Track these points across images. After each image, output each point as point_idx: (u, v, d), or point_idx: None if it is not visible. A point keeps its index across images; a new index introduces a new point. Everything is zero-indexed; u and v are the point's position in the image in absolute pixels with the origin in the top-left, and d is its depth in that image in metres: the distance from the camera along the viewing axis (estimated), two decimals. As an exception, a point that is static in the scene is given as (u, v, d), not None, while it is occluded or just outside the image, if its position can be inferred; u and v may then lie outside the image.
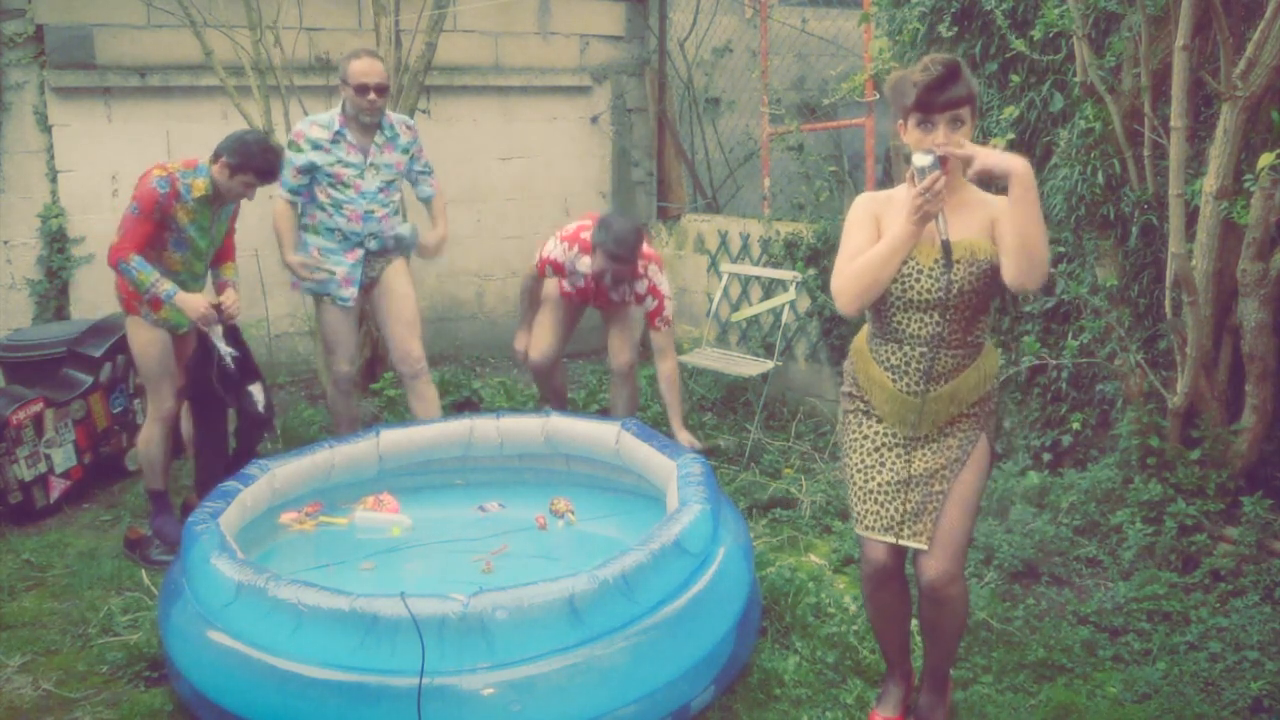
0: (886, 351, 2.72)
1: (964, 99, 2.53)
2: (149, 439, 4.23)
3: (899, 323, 2.68)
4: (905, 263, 2.61)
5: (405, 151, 4.72)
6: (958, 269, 2.59)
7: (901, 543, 2.72)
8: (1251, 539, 3.55)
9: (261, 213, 6.16)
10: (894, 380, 2.70)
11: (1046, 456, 4.37)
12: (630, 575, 2.90)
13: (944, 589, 2.70)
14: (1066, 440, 4.32)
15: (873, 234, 2.66)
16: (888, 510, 2.72)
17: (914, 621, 3.07)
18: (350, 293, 4.69)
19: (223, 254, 4.41)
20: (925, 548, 2.70)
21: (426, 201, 4.92)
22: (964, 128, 2.54)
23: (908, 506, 2.70)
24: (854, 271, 2.61)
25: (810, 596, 3.54)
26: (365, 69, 4.46)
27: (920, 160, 2.49)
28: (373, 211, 4.64)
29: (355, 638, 2.70)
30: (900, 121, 2.62)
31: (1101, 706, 3.02)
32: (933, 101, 2.51)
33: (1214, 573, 3.54)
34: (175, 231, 4.08)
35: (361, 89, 4.45)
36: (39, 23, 5.89)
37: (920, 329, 2.65)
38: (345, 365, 4.85)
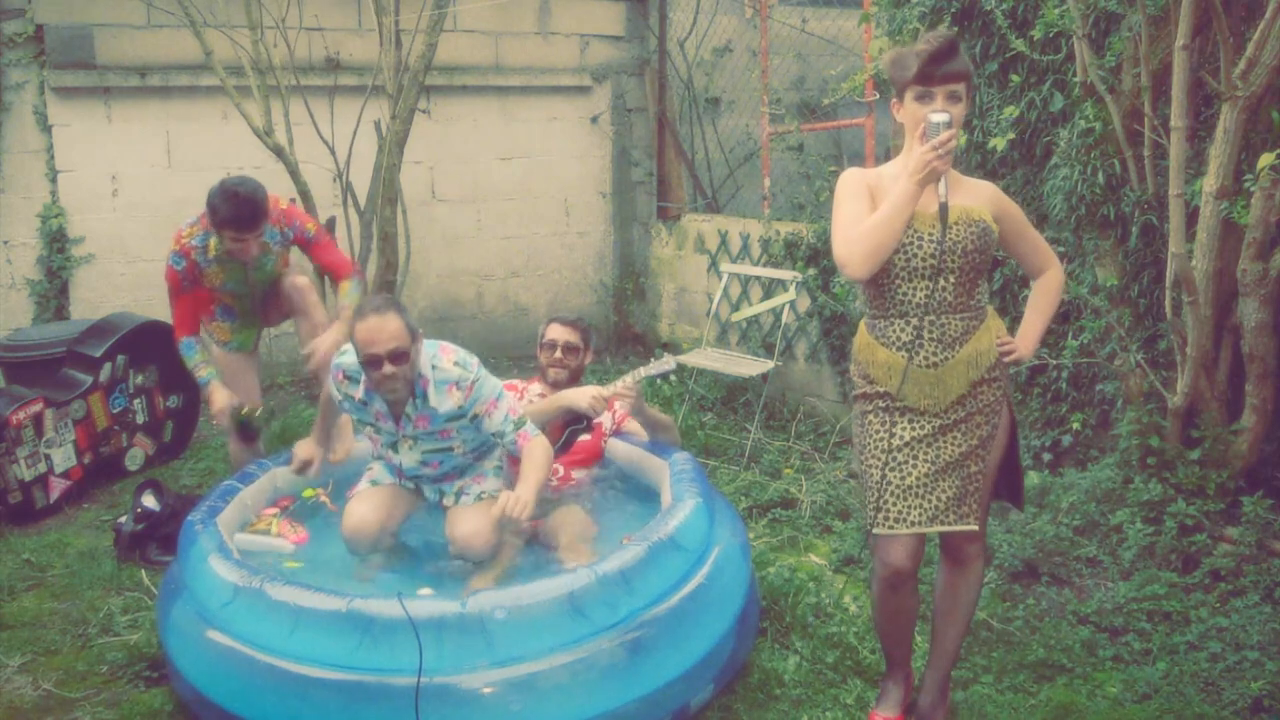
0: (895, 330, 2.70)
1: (962, 74, 2.56)
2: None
3: (903, 293, 2.67)
4: (906, 230, 2.61)
5: (454, 419, 3.40)
6: (956, 230, 2.61)
7: (947, 529, 2.72)
8: (1251, 539, 3.55)
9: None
10: (908, 357, 2.68)
11: (1046, 456, 4.36)
12: (629, 572, 2.90)
13: (965, 547, 2.78)
14: (1066, 440, 4.32)
15: (868, 204, 2.66)
16: (929, 502, 2.70)
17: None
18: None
19: (333, 271, 4.31)
20: (975, 528, 2.73)
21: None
22: (960, 105, 2.57)
23: (948, 494, 2.70)
24: (861, 233, 2.59)
25: (810, 596, 3.54)
26: (370, 334, 3.14)
27: (937, 117, 2.51)
28: (424, 474, 3.57)
29: (354, 637, 2.69)
30: (895, 99, 2.65)
31: (1101, 706, 3.02)
32: (933, 73, 2.54)
33: (1214, 573, 3.54)
34: (216, 295, 4.20)
35: (372, 362, 3.17)
36: (39, 23, 5.90)
37: (926, 296, 2.65)
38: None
